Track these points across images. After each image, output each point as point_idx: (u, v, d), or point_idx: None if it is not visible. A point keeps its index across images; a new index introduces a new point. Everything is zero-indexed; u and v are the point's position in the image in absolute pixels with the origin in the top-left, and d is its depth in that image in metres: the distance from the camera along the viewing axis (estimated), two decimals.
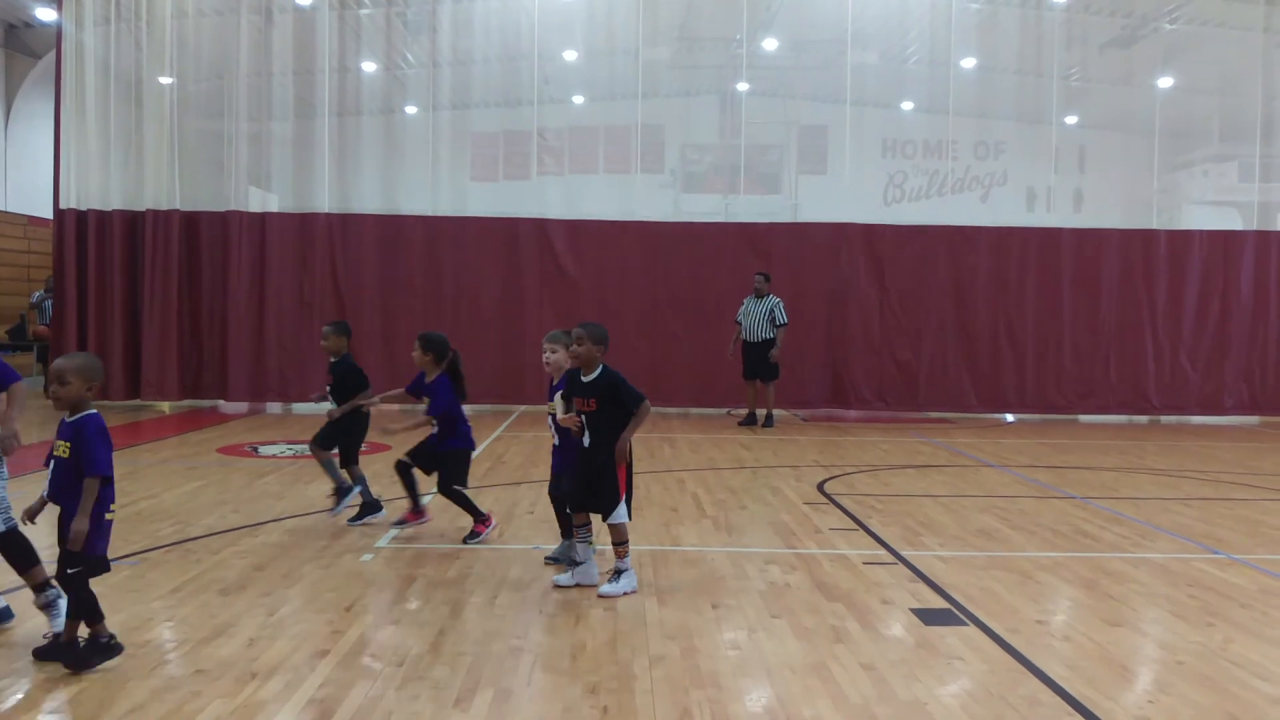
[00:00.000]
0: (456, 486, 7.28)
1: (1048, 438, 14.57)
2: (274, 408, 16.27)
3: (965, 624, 5.57)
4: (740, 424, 15.02)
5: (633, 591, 6.05)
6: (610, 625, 5.42)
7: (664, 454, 11.99)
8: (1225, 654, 5.19)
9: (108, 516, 4.70)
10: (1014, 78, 17.70)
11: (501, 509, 8.45)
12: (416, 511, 7.65)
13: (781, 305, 14.76)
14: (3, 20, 21.43)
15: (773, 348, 14.61)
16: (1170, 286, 16.89)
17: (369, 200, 16.65)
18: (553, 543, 7.04)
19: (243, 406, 16.00)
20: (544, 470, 10.51)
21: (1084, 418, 16.98)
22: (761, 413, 14.89)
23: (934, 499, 9.38)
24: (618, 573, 6.08)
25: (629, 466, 6.16)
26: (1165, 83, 17.68)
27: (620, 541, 6.11)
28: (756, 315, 14.75)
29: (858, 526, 8.06)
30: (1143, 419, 17.10)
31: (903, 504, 9.07)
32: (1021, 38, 17.45)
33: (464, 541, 7.18)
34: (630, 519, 6.18)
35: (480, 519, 7.32)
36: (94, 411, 4.81)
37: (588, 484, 6.14)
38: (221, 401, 16.13)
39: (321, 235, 16.30)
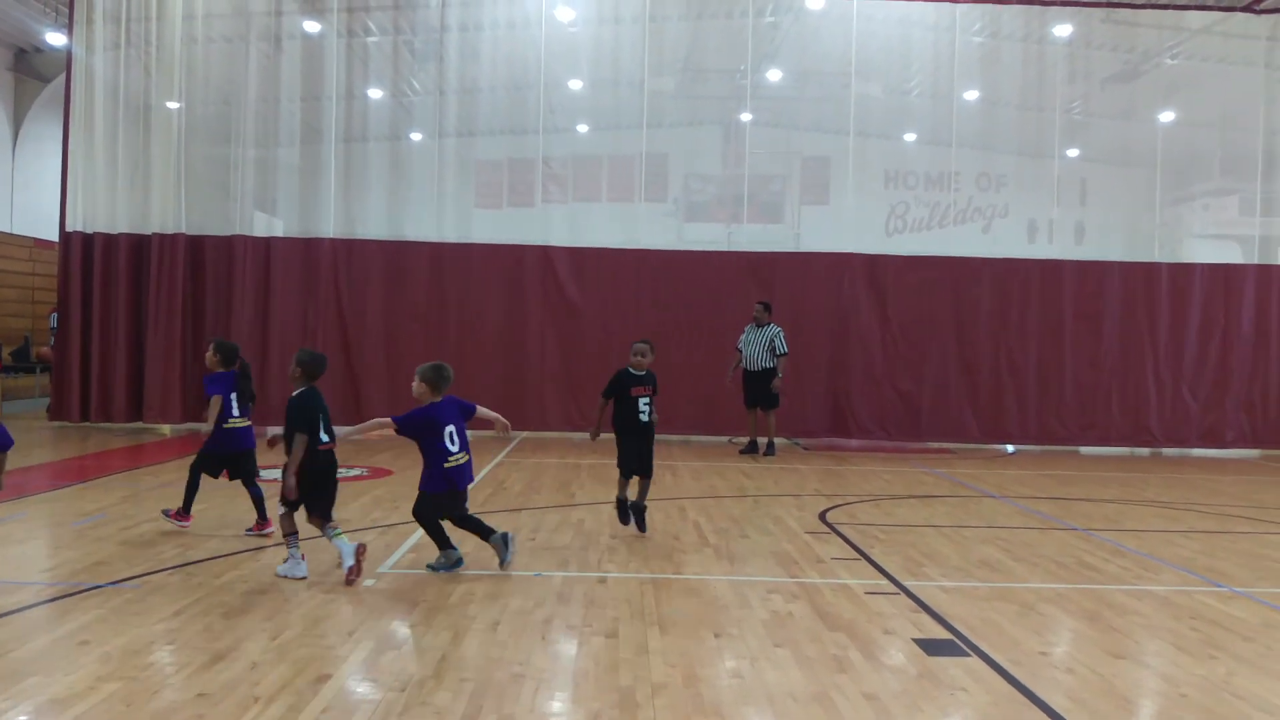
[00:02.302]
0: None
1: (1049, 469, 14.57)
2: (275, 432, 16.22)
3: (968, 655, 5.56)
4: (741, 452, 15.01)
5: (297, 578, 6.76)
6: (613, 653, 5.41)
7: (666, 481, 11.99)
8: (1228, 687, 5.18)
9: None
10: (1016, 111, 17.81)
11: None
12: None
13: (782, 335, 14.78)
14: (13, 45, 21.61)
15: (774, 377, 14.64)
16: (1172, 319, 16.96)
17: (374, 226, 16.72)
18: (553, 568, 7.15)
19: None
20: (546, 496, 10.57)
21: (1085, 449, 16.99)
22: (763, 441, 14.89)
23: (936, 529, 9.37)
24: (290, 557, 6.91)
25: (302, 480, 6.83)
26: (1167, 117, 17.79)
27: (285, 533, 6.93)
28: (757, 344, 14.77)
29: (860, 556, 8.06)
30: (1144, 451, 17.11)
31: (905, 534, 9.07)
32: (1024, 72, 17.57)
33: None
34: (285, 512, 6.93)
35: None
36: None
37: None
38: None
39: (326, 260, 16.37)
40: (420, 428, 7.05)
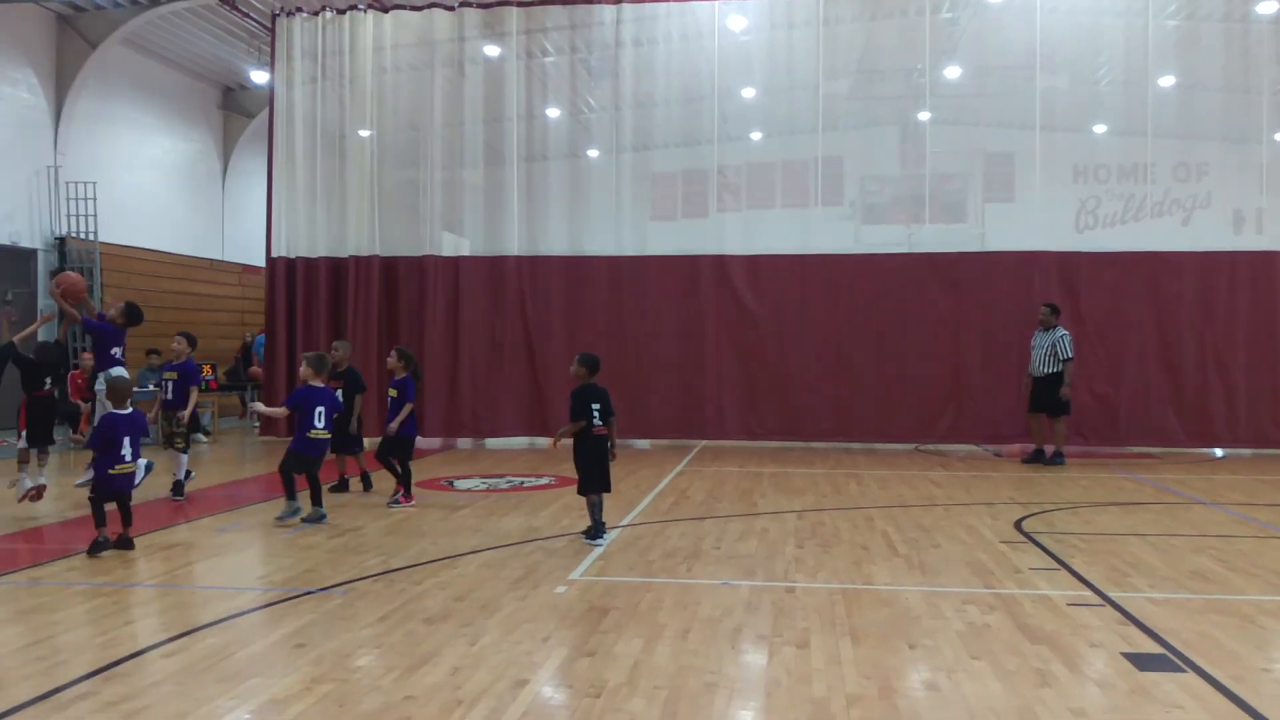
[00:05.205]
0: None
1: (1265, 474, 13.64)
2: (465, 443, 16.85)
3: (1183, 670, 5.26)
4: (1024, 461, 14.48)
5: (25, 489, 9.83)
6: (805, 663, 5.36)
7: (851, 490, 11.81)
8: None
9: (111, 472, 8.00)
10: (1217, 95, 16.74)
11: (687, 544, 8.49)
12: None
13: (1067, 338, 14.21)
14: (221, 83, 23.14)
15: (1061, 384, 14.11)
16: None
17: (555, 242, 17.11)
18: (740, 577, 7.22)
19: (436, 442, 16.62)
20: (728, 505, 10.57)
21: None
22: (1050, 449, 14.32)
23: (1141, 538, 8.91)
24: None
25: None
26: None
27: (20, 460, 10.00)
28: (1042, 348, 14.29)
29: (1060, 566, 7.73)
30: None
31: (1107, 543, 8.65)
32: (1226, 52, 16.49)
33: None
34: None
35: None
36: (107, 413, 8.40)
37: None
38: (416, 437, 16.77)
39: (511, 277, 16.86)
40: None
